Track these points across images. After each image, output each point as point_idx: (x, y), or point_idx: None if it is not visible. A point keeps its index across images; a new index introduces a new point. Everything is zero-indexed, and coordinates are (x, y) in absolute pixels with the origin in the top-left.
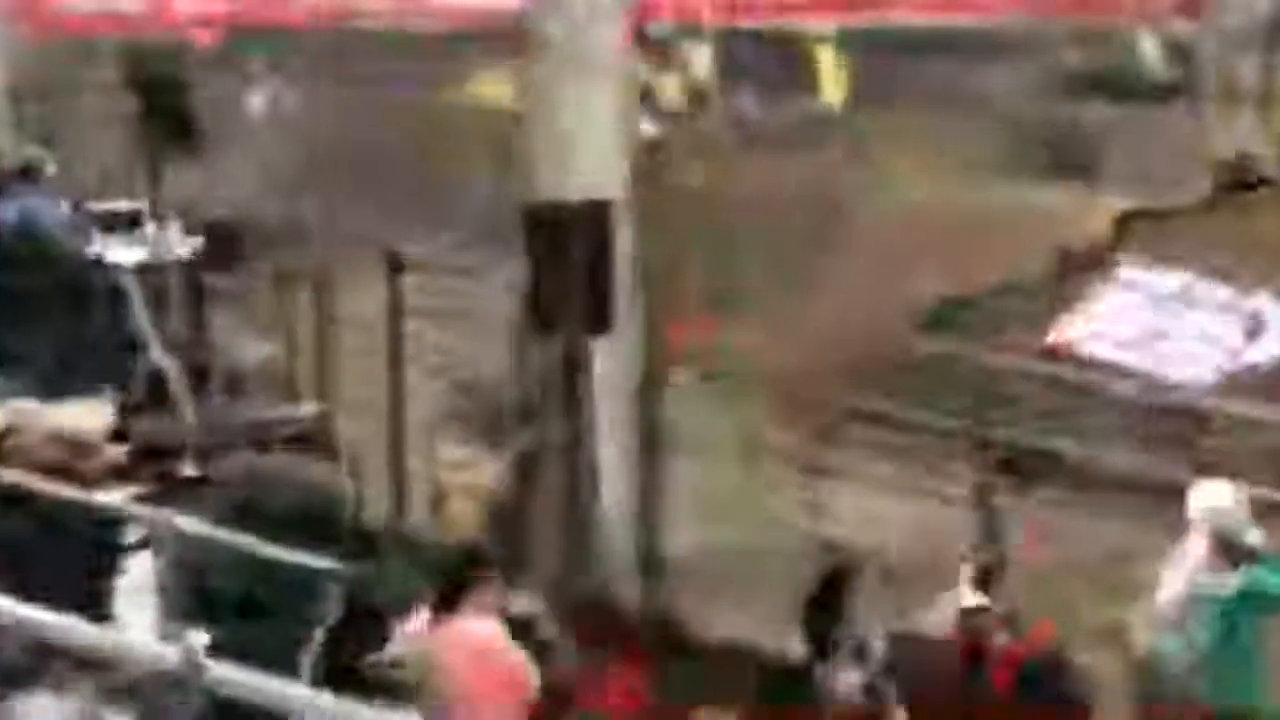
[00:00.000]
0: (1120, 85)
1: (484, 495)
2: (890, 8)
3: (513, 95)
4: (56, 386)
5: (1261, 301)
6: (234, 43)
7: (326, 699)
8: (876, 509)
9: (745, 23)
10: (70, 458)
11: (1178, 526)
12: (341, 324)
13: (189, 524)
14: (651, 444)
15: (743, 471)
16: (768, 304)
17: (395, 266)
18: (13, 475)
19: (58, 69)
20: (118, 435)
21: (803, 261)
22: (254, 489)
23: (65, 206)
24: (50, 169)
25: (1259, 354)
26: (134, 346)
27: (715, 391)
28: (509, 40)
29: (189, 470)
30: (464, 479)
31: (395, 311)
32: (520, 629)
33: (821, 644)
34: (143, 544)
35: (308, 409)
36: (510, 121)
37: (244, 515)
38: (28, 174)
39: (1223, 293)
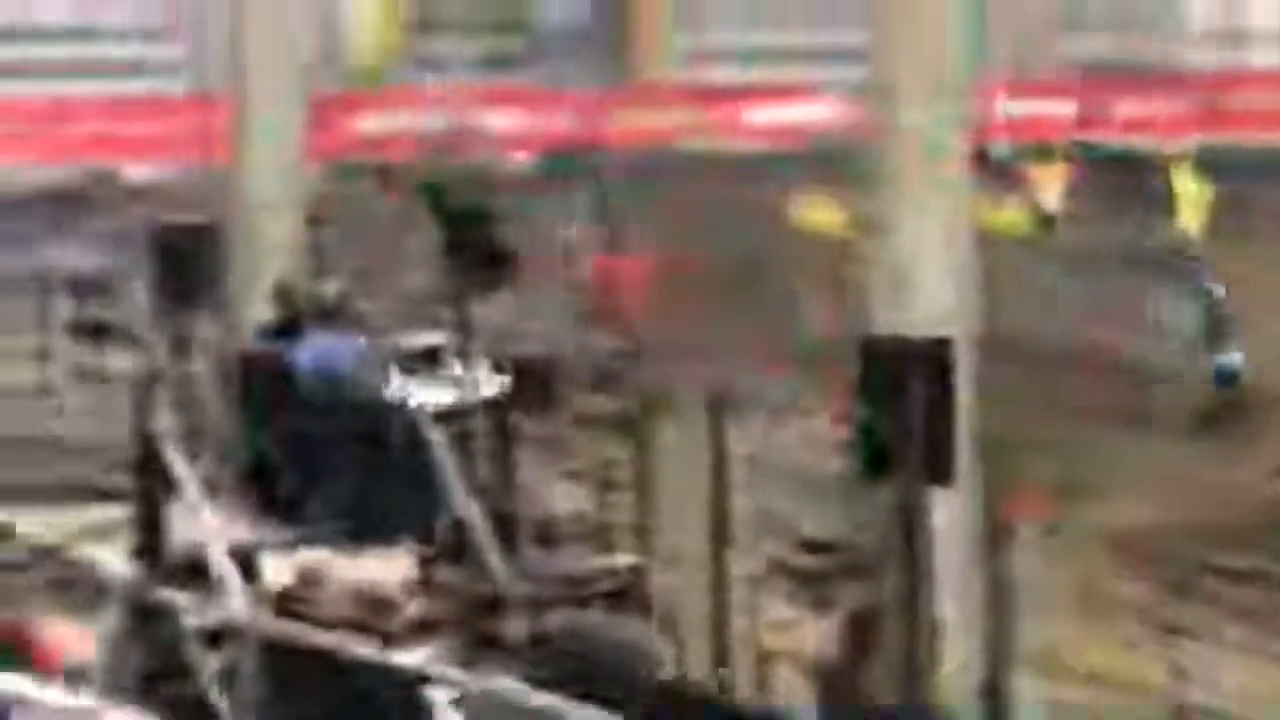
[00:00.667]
0: None
1: (811, 659)
2: (1256, 125)
3: (843, 222)
4: (354, 536)
5: None
6: (547, 164)
7: None
8: (1245, 674)
9: (1095, 142)
10: (369, 614)
11: None
12: (659, 469)
13: (500, 685)
14: (996, 601)
15: (1094, 629)
16: (1114, 448)
17: (717, 407)
18: (308, 632)
19: (357, 194)
20: (420, 588)
21: (1155, 405)
22: (568, 650)
23: (363, 344)
24: (350, 304)
25: None
26: (436, 494)
27: (1061, 543)
28: (835, 162)
29: (497, 627)
30: (789, 641)
31: (718, 456)
32: None
33: None
34: (452, 704)
35: (623, 561)
36: (841, 250)
37: (559, 677)
38: (327, 310)
39: None
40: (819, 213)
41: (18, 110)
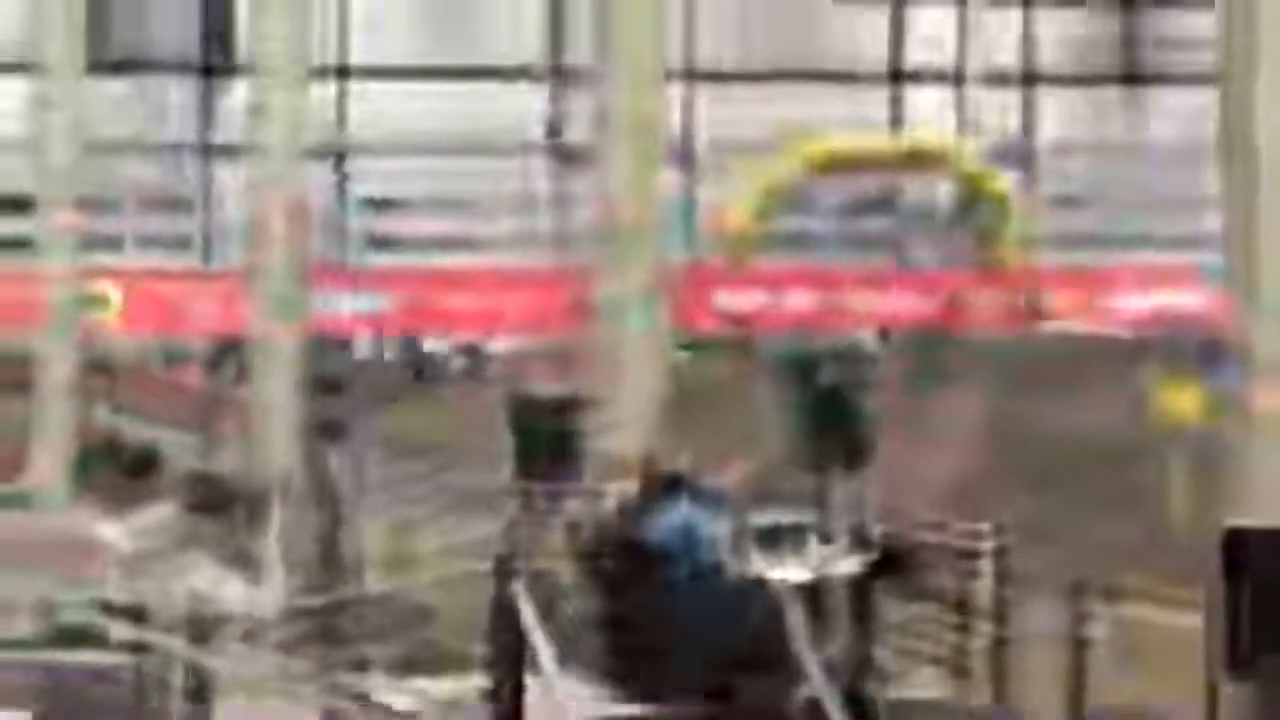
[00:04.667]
0: None
1: None
2: None
3: (1206, 409)
4: (709, 712)
5: None
6: (911, 345)
7: None
8: None
9: None
10: None
11: None
12: (1018, 651)
13: None
14: None
15: None
16: None
17: (1075, 591)
18: None
19: (717, 371)
20: None
21: None
22: None
23: (722, 519)
24: (705, 479)
25: None
26: (792, 671)
27: None
28: (1198, 347)
29: None
30: None
31: (1075, 642)
32: None
33: None
34: None
35: None
36: (1201, 437)
37: None
38: (679, 484)
39: None
40: (1182, 399)
41: (391, 282)
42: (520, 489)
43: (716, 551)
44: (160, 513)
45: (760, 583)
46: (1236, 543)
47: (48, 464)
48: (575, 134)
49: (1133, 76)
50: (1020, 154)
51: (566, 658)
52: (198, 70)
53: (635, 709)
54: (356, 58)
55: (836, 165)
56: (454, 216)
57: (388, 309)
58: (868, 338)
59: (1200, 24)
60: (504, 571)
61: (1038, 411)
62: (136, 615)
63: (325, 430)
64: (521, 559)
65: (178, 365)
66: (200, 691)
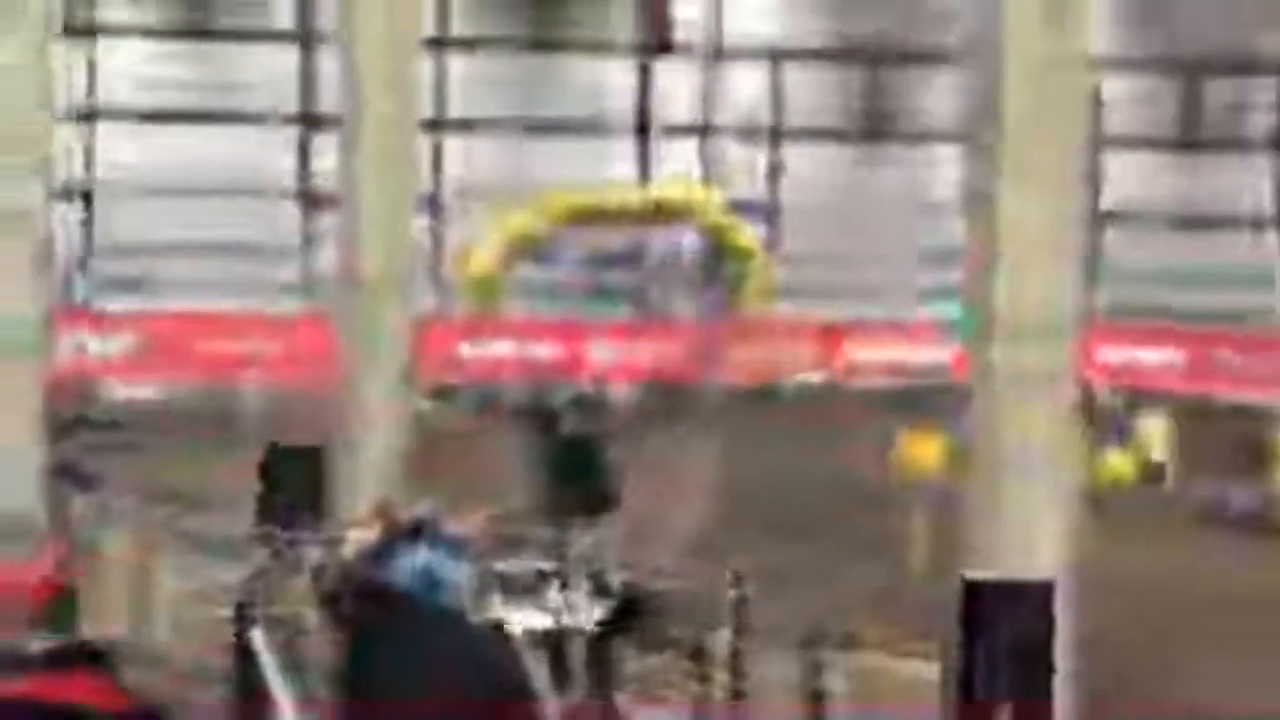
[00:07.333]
0: None
1: None
2: None
3: (944, 459)
4: None
5: None
6: (651, 395)
7: None
8: None
9: (1203, 396)
10: None
11: None
12: (757, 700)
13: None
14: None
15: None
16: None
17: (812, 641)
18: None
19: (461, 419)
20: None
21: (1262, 664)
22: None
23: (461, 566)
24: (445, 525)
25: None
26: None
27: None
28: (938, 399)
29: None
30: None
31: (811, 693)
32: None
33: None
34: None
35: None
36: (939, 488)
37: None
38: (420, 530)
39: None
40: (920, 449)
41: (146, 326)
42: (263, 534)
43: (457, 597)
44: None
45: (500, 629)
46: (974, 594)
47: None
48: (324, 179)
49: (878, 132)
50: (765, 207)
51: (310, 703)
52: None
53: None
54: (105, 99)
55: (579, 217)
56: (203, 259)
57: (134, 352)
58: (612, 387)
59: (943, 81)
60: (243, 617)
61: (780, 461)
62: None
63: (68, 474)
64: (262, 604)
65: None
66: None
